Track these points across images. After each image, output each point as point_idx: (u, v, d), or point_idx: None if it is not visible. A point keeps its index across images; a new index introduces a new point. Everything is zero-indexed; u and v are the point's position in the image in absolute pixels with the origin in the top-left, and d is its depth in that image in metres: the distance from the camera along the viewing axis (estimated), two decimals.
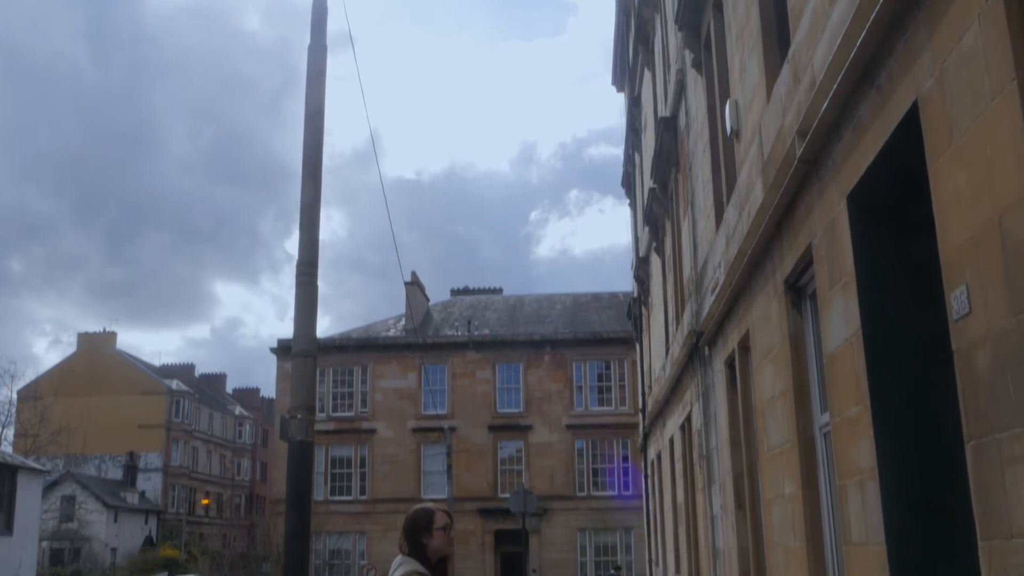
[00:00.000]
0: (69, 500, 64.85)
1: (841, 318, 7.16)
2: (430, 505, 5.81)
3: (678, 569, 19.87)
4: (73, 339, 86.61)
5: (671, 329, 19.66)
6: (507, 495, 39.59)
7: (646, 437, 27.14)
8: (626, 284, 48.21)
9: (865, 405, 6.63)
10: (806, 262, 8.29)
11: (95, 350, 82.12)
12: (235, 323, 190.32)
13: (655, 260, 23.69)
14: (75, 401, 65.86)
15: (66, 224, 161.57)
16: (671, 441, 20.22)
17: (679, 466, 18.92)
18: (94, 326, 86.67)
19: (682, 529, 18.86)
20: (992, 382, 4.64)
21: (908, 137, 5.66)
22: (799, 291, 8.94)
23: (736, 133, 11.23)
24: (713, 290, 12.92)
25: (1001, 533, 4.60)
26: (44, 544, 53.58)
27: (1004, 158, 4.46)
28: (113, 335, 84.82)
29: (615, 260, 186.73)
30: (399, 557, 5.61)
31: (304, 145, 11.22)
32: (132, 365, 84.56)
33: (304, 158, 11.17)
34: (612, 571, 35.69)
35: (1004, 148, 4.45)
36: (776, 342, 9.42)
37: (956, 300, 4.96)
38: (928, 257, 5.60)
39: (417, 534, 5.58)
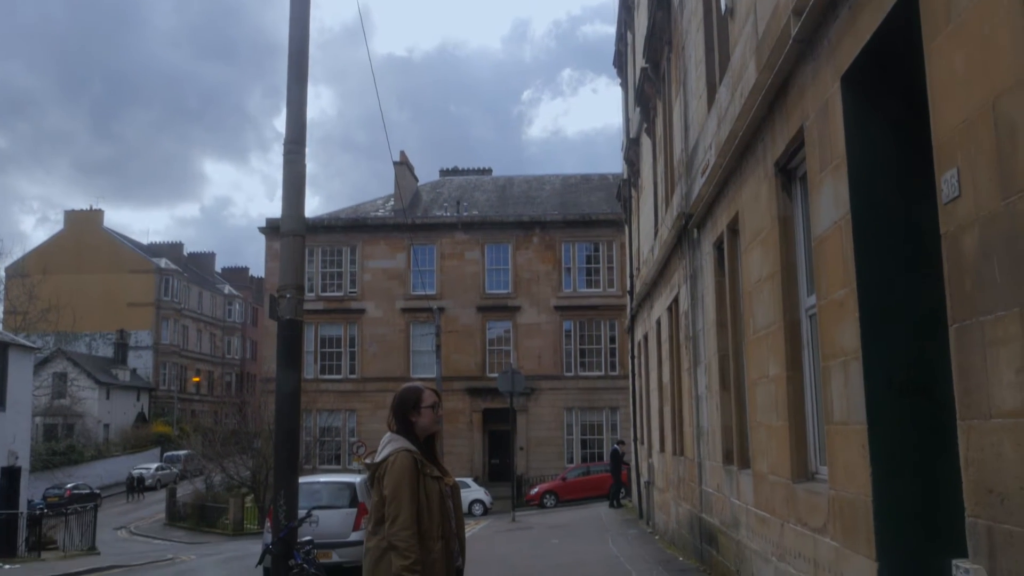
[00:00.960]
0: (61, 377, 65.51)
1: (831, 201, 7.15)
2: (418, 384, 5.88)
3: (663, 448, 20.30)
4: (61, 217, 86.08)
5: (660, 211, 19.64)
6: (495, 375, 40.11)
7: (633, 319, 27.39)
8: (616, 166, 48.04)
9: (851, 288, 6.68)
10: (797, 144, 8.24)
11: (82, 228, 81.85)
12: (224, 202, 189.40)
13: (645, 141, 23.51)
14: (64, 279, 65.98)
15: (51, 100, 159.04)
16: (658, 323, 20.41)
17: (666, 347, 19.15)
18: (81, 204, 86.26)
19: (667, 409, 19.20)
20: (978, 265, 4.67)
21: (906, 16, 5.55)
22: (790, 174, 8.91)
23: (731, 11, 11.01)
24: (703, 172, 12.86)
25: (980, 413, 4.69)
26: (37, 420, 54.37)
27: (1001, 39, 4.38)
28: (100, 213, 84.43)
29: (607, 141, 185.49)
30: (388, 435, 5.69)
31: (291, 19, 10.98)
32: (120, 243, 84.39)
33: (291, 33, 10.94)
34: (616, 445, 36.51)
35: (1002, 28, 4.38)
36: (765, 224, 9.42)
37: (946, 183, 4.94)
38: (920, 141, 5.56)
39: (405, 412, 5.65)
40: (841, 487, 7.05)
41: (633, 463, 29.11)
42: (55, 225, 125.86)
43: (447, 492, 5.54)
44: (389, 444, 5.58)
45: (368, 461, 5.70)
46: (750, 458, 10.78)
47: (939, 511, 5.90)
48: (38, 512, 36.05)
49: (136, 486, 56.55)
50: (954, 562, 4.84)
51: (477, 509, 39.60)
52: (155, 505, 51.63)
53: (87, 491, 50.81)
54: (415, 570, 5.18)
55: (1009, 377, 4.39)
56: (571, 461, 48.07)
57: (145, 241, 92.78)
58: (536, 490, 42.40)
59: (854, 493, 6.70)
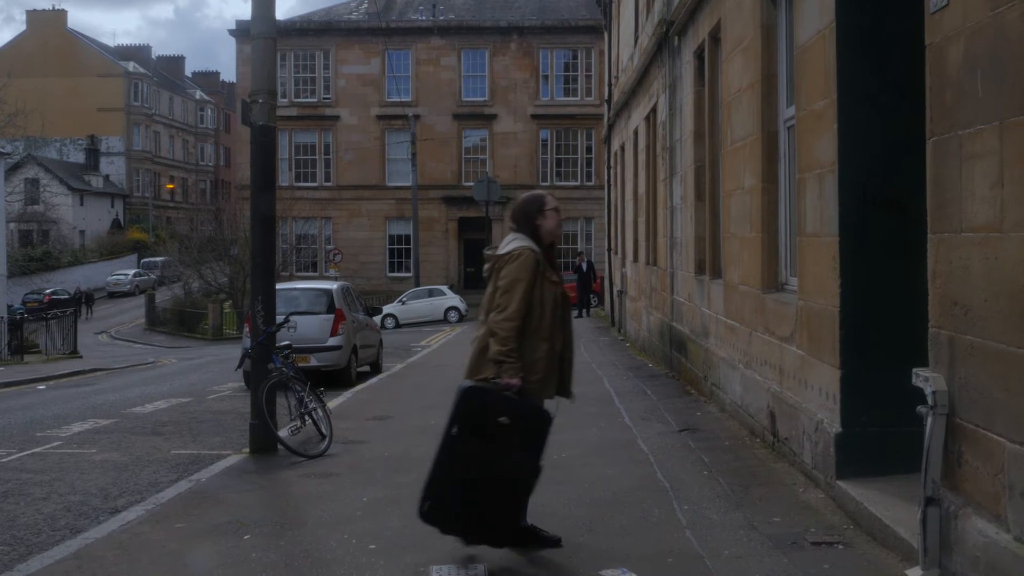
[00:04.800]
0: (33, 183, 64.74)
1: (816, 8, 6.98)
2: (540, 191, 5.94)
3: (636, 258, 20.53)
4: (24, 18, 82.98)
5: (641, 18, 19.16)
6: (471, 184, 40.07)
7: (611, 128, 27.15)
8: None
9: (831, 99, 6.60)
10: None
11: (46, 29, 79.04)
12: (199, 2, 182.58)
13: None
14: (29, 82, 64.07)
15: None
16: (635, 132, 20.25)
17: (642, 157, 19.07)
18: (44, 3, 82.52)
19: (642, 219, 19.31)
20: (961, 78, 4.60)
21: None
22: None
23: None
24: None
25: (951, 227, 4.73)
26: (12, 226, 54.07)
27: None
28: (64, 13, 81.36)
29: None
30: (512, 234, 5.76)
31: None
32: (85, 45, 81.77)
33: None
34: (578, 260, 37.01)
35: None
36: (748, 33, 9.22)
37: None
38: None
39: (530, 217, 5.74)
40: (810, 298, 7.19)
41: (607, 272, 29.49)
42: (20, 26, 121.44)
43: (560, 299, 5.65)
44: (514, 241, 5.67)
45: (489, 252, 5.78)
46: (722, 268, 10.93)
47: (904, 324, 6.04)
48: (19, 317, 36.39)
49: (86, 300, 53.53)
50: (915, 370, 4.99)
51: (452, 316, 40.33)
52: (134, 311, 52.21)
53: (67, 295, 51.19)
54: (512, 356, 5.38)
55: (983, 191, 4.40)
56: None
57: (112, 44, 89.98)
58: None
59: (822, 304, 6.84)
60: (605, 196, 30.64)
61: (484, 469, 5.38)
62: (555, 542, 5.82)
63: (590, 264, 35.15)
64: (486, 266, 5.75)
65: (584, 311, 33.72)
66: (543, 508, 6.94)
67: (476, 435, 5.40)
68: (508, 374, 5.37)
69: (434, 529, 6.49)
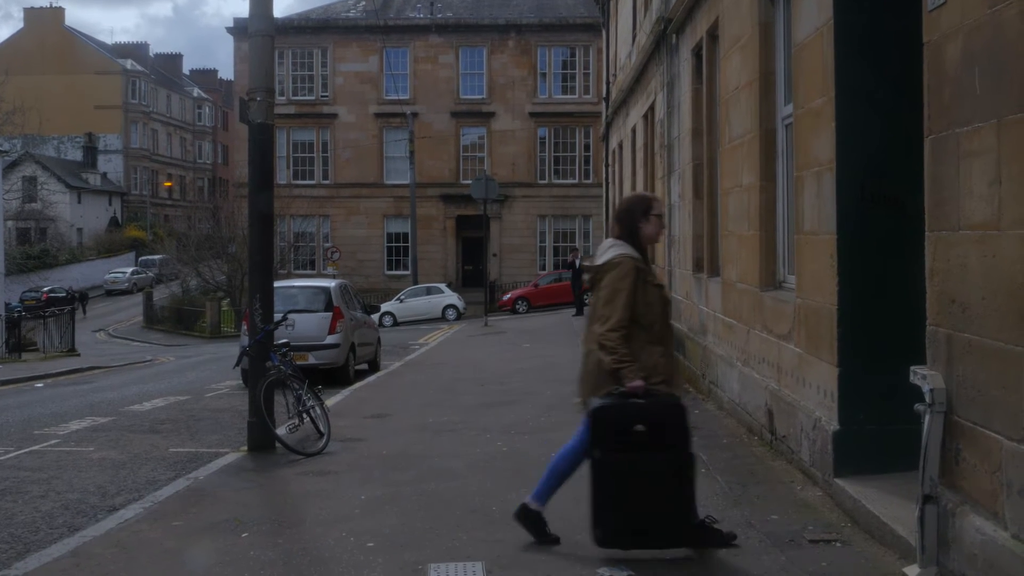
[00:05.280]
0: (30, 181, 64.64)
1: (814, 6, 6.98)
2: (648, 193, 5.88)
3: None
4: (21, 15, 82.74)
5: (639, 16, 19.15)
6: (469, 182, 39.97)
7: (609, 126, 27.14)
8: None
9: (829, 97, 6.60)
10: None
11: (43, 27, 78.85)
12: (198, 0, 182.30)
13: None
14: (27, 80, 63.93)
15: None
16: (633, 130, 20.25)
17: (640, 155, 19.07)
18: (41, 0, 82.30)
19: None
20: (959, 76, 4.60)
21: None
22: None
23: None
24: None
25: (949, 225, 4.73)
26: (9, 224, 53.98)
27: None
28: (61, 11, 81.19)
29: None
30: (609, 240, 5.74)
31: None
32: (83, 43, 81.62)
33: None
34: (571, 257, 36.83)
35: None
36: (746, 30, 9.22)
37: None
38: None
39: (634, 219, 5.68)
40: (807, 296, 7.19)
41: None
42: (17, 23, 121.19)
43: (665, 300, 5.67)
44: (611, 248, 5.63)
45: (587, 263, 5.78)
46: (720, 266, 10.93)
47: (902, 321, 6.05)
48: (16, 315, 36.34)
49: (80, 300, 51.94)
50: (912, 368, 4.99)
51: (450, 314, 40.29)
52: (132, 309, 52.15)
53: (63, 293, 51.08)
54: (626, 360, 5.36)
55: (981, 189, 4.40)
56: (543, 268, 48.61)
57: (109, 41, 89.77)
58: (508, 296, 43.02)
59: (820, 302, 6.84)
60: (603, 194, 30.64)
61: (642, 478, 5.37)
62: (731, 538, 5.73)
63: (582, 260, 34.96)
64: (587, 276, 5.75)
65: (579, 309, 33.39)
66: None
67: (620, 450, 5.37)
68: (629, 379, 5.35)
69: (432, 527, 6.51)
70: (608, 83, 27.68)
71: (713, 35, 11.22)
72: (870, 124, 6.41)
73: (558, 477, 5.88)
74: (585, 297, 34.57)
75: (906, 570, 5.07)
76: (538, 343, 22.92)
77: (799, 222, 7.44)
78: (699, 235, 12.28)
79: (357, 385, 15.92)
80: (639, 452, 5.36)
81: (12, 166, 60.07)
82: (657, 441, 5.37)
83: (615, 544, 5.57)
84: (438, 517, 6.77)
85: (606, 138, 28.61)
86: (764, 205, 8.72)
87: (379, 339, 20.74)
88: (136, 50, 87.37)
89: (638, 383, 5.34)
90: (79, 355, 32.53)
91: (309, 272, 47.33)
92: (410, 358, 21.46)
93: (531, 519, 5.92)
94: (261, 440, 9.73)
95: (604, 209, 30.03)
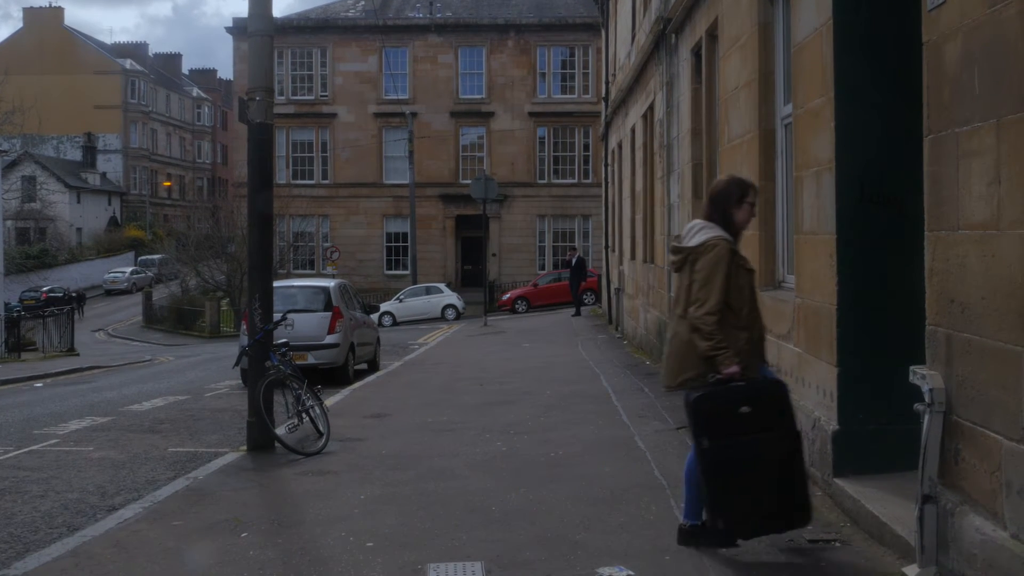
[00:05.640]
0: (30, 180, 64.63)
1: (813, 6, 6.97)
2: (744, 178, 5.75)
3: (633, 255, 20.53)
4: (20, 15, 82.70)
5: (638, 15, 19.15)
6: (468, 181, 39.96)
7: (608, 126, 27.14)
8: None
9: (829, 97, 6.60)
10: None
11: (43, 26, 78.84)
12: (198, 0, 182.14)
13: None
14: (27, 80, 63.87)
15: None
16: (633, 130, 20.25)
17: (640, 155, 19.07)
18: (40, 0, 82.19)
19: (639, 217, 19.30)
20: (958, 75, 4.60)
21: None
22: None
23: None
24: None
25: (948, 224, 4.73)
26: (9, 224, 53.97)
27: None
28: (60, 10, 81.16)
29: None
30: (699, 222, 5.65)
31: None
32: (82, 43, 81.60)
33: None
34: (570, 256, 36.68)
35: None
36: (745, 30, 9.22)
37: None
38: None
39: (728, 204, 5.61)
40: (807, 295, 7.19)
41: (604, 270, 29.48)
42: (17, 23, 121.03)
43: (754, 287, 5.61)
44: (703, 231, 5.56)
45: (675, 244, 5.71)
46: None
47: (901, 321, 6.05)
48: (16, 314, 36.32)
49: (76, 301, 51.17)
50: (912, 368, 4.99)
51: (450, 314, 40.29)
52: (131, 308, 52.14)
53: (61, 294, 51.04)
54: (721, 347, 5.30)
55: (980, 189, 4.41)
56: (543, 268, 48.61)
57: (109, 41, 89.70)
58: (508, 296, 43.02)
59: (819, 301, 6.84)
60: (602, 194, 30.63)
61: (753, 462, 5.33)
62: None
63: (580, 260, 34.78)
64: (675, 258, 5.66)
65: (578, 309, 33.31)
66: (540, 506, 6.96)
67: (728, 436, 5.32)
68: (726, 364, 5.29)
69: (432, 527, 6.51)
70: (607, 83, 27.67)
71: (712, 35, 11.22)
72: (869, 124, 6.41)
73: (697, 486, 5.73)
74: (584, 296, 34.66)
75: (906, 570, 5.07)
76: (537, 343, 22.92)
77: (798, 222, 7.44)
78: None
79: (356, 385, 15.91)
80: (749, 434, 5.31)
81: (11, 166, 60.06)
82: (765, 421, 5.32)
83: (741, 533, 5.51)
84: (437, 517, 6.77)
85: (605, 138, 28.61)
86: (763, 205, 8.70)
87: (378, 339, 20.74)
88: (135, 50, 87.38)
89: (734, 369, 5.29)
90: (78, 355, 32.52)
91: (308, 272, 47.31)
92: (409, 358, 21.46)
93: (695, 535, 5.73)
94: (260, 440, 9.73)
95: (603, 209, 30.01)
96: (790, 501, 5.44)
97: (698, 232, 5.58)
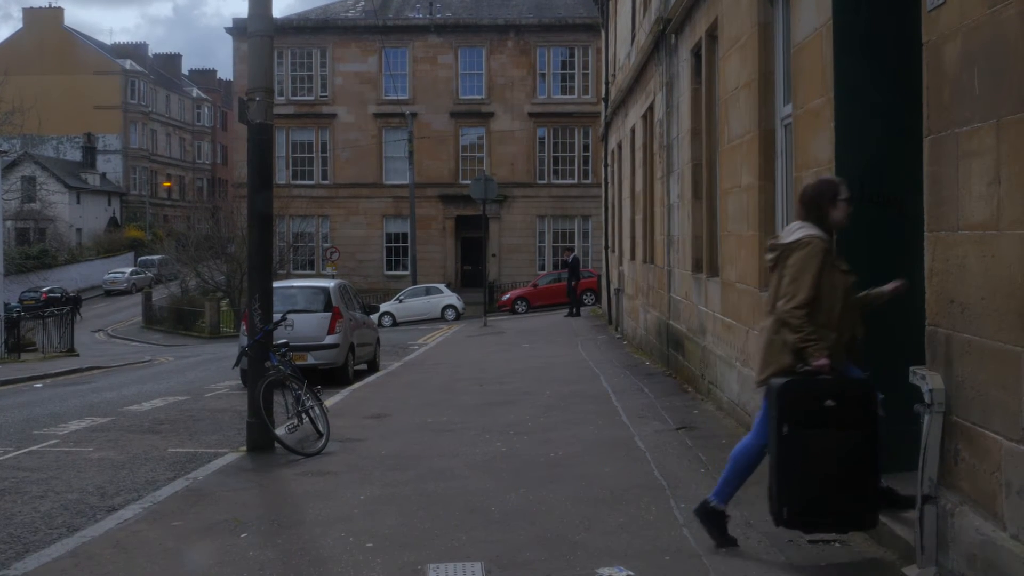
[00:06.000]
0: (29, 181, 64.62)
1: (812, 7, 6.98)
2: (835, 177, 5.72)
3: (633, 256, 20.53)
4: (20, 15, 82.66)
5: (638, 15, 19.15)
6: (468, 182, 39.95)
7: (608, 126, 27.14)
8: None
9: (828, 97, 6.61)
10: None
11: (42, 27, 78.84)
12: (198, 0, 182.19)
13: None
14: (26, 80, 63.88)
15: None
16: (632, 130, 20.25)
17: (639, 155, 19.07)
18: (40, 1, 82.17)
19: (639, 217, 19.30)
20: (958, 76, 4.60)
21: None
22: None
23: None
24: None
25: (948, 225, 4.73)
26: (9, 224, 53.92)
27: None
28: (60, 11, 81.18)
29: None
30: (797, 222, 5.65)
31: None
32: (82, 43, 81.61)
33: None
34: (565, 256, 36.58)
35: None
36: (745, 31, 9.22)
37: None
38: None
39: (822, 204, 5.60)
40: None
41: (604, 271, 29.47)
42: (17, 23, 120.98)
43: (850, 287, 5.55)
44: (800, 229, 5.56)
45: (773, 241, 5.70)
46: (719, 267, 10.93)
47: (901, 321, 6.04)
48: (15, 315, 36.30)
49: (73, 303, 51.59)
50: (912, 368, 4.99)
51: (449, 314, 40.28)
52: (131, 309, 52.12)
53: (59, 295, 50.98)
54: (812, 338, 5.29)
55: (980, 189, 4.40)
56: (543, 268, 48.61)
57: (109, 41, 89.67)
58: (508, 296, 43.01)
59: None
60: (602, 194, 30.62)
61: (831, 455, 5.28)
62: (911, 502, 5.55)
63: (575, 260, 34.70)
64: (771, 255, 5.67)
65: (574, 310, 33.21)
66: (540, 506, 6.96)
67: (808, 427, 5.29)
68: (815, 357, 5.28)
69: (431, 527, 6.51)
70: (607, 83, 27.67)
71: (712, 35, 11.23)
72: (869, 124, 6.41)
73: (740, 473, 5.76)
74: (584, 297, 34.55)
75: (905, 570, 5.07)
76: (537, 343, 22.91)
77: None
78: (698, 235, 12.28)
79: (356, 385, 15.91)
80: (829, 428, 5.27)
81: (11, 166, 60.05)
82: (848, 418, 5.28)
83: (798, 524, 5.47)
84: (437, 517, 6.77)
85: (605, 138, 28.61)
86: (763, 205, 8.72)
87: (378, 339, 20.74)
88: (135, 50, 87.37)
89: (824, 361, 5.27)
90: (78, 355, 32.50)
91: (308, 272, 47.29)
92: (409, 358, 21.45)
93: (711, 517, 5.79)
94: (260, 440, 9.73)
95: (603, 209, 30.01)
96: (862, 502, 5.38)
97: (795, 231, 5.59)
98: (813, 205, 5.63)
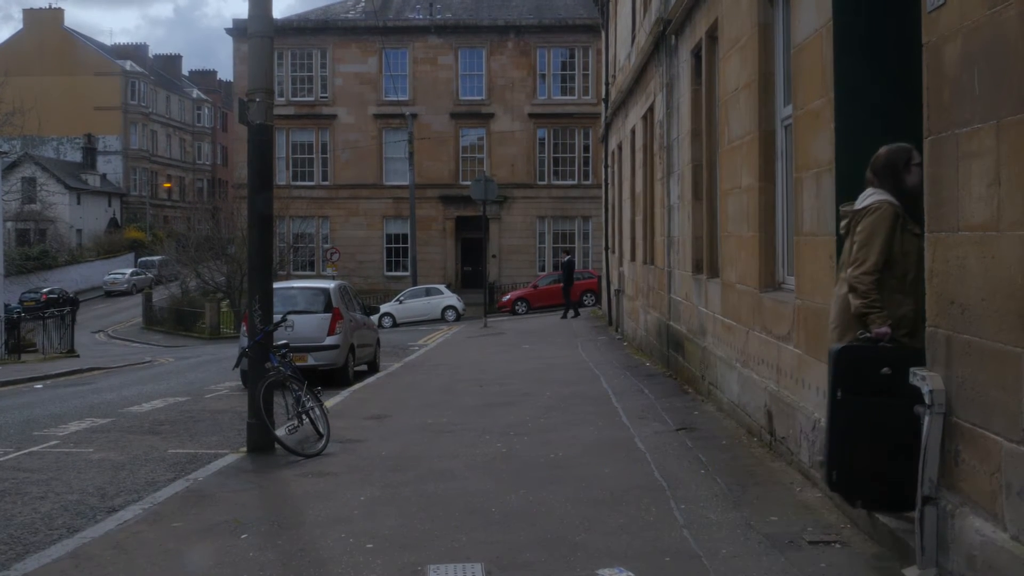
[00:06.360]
0: (30, 182, 64.64)
1: (812, 7, 6.98)
2: (903, 144, 5.61)
3: (633, 257, 20.53)
4: (20, 16, 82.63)
5: (638, 17, 19.16)
6: (468, 183, 39.97)
7: (608, 127, 27.14)
8: None
9: (828, 98, 6.61)
10: None
11: (43, 28, 78.86)
12: (198, 0, 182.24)
13: None
14: (27, 81, 63.96)
15: None
16: (632, 131, 20.25)
17: (639, 156, 19.07)
18: (41, 1, 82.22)
19: (639, 218, 19.30)
20: (958, 77, 4.60)
21: None
22: None
23: None
24: None
25: (948, 226, 4.73)
26: (9, 225, 53.93)
27: None
28: (60, 12, 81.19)
29: None
30: (869, 188, 5.59)
31: None
32: (82, 44, 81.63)
33: None
34: (563, 256, 36.56)
35: None
36: (745, 31, 9.22)
37: None
38: None
39: (896, 171, 5.53)
40: (807, 297, 7.19)
41: (604, 272, 29.47)
42: (17, 24, 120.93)
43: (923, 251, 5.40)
44: (872, 195, 5.52)
45: (845, 208, 5.65)
46: (719, 268, 10.93)
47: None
48: (16, 316, 36.29)
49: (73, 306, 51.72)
50: (912, 369, 4.99)
51: (450, 315, 40.28)
52: (131, 309, 52.13)
53: (58, 295, 50.95)
54: (876, 306, 5.25)
55: (980, 191, 4.40)
56: (543, 269, 48.63)
57: (109, 42, 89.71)
58: (508, 297, 43.02)
59: (820, 303, 6.84)
60: (603, 195, 30.63)
61: (882, 425, 5.23)
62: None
63: (570, 262, 34.65)
64: (843, 222, 5.63)
65: (571, 311, 33.14)
66: (540, 507, 6.95)
67: (863, 394, 5.25)
68: (876, 324, 5.26)
69: (432, 528, 6.51)
70: (607, 84, 27.68)
71: (712, 36, 11.23)
72: (869, 125, 6.41)
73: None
74: (584, 298, 34.51)
75: (905, 571, 5.07)
76: (537, 344, 22.91)
77: (798, 223, 7.44)
78: (698, 236, 12.28)
79: (356, 386, 15.91)
80: (884, 396, 5.22)
81: (11, 167, 60.04)
82: (904, 388, 5.13)
83: (845, 488, 5.44)
84: (437, 518, 6.77)
85: (605, 139, 28.61)
86: (763, 206, 8.72)
87: (378, 340, 20.74)
88: (136, 51, 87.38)
89: (884, 329, 5.24)
90: (78, 356, 32.50)
91: (308, 273, 47.34)
92: (409, 359, 21.45)
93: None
94: (260, 441, 9.73)
95: (603, 210, 30.01)
96: (915, 478, 5.12)
97: (868, 196, 5.54)
98: (886, 172, 5.57)
